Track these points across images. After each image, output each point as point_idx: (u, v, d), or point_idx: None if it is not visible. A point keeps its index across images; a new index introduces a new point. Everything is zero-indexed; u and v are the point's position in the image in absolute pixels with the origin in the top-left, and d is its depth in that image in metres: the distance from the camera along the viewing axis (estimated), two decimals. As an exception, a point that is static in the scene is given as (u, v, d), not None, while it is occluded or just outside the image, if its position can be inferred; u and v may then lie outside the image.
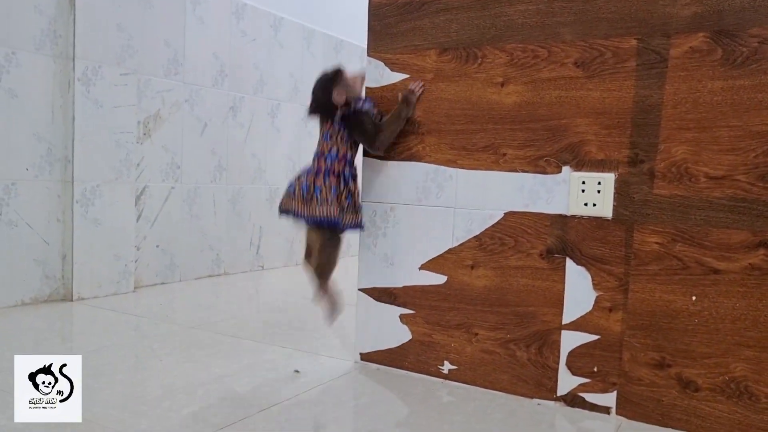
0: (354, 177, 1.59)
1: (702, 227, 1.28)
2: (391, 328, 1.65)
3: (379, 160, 1.64)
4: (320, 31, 3.35)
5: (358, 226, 1.59)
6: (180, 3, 2.60)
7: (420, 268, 1.60)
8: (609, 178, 1.36)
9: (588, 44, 1.37)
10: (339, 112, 1.56)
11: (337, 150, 1.56)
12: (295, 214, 1.56)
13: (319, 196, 1.53)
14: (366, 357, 1.69)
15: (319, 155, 1.58)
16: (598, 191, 1.38)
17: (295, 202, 1.57)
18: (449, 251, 1.56)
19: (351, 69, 1.60)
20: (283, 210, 1.60)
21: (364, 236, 1.67)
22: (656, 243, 1.33)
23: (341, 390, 1.52)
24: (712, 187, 1.27)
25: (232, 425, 1.26)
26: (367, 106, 1.57)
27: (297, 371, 1.52)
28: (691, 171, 1.29)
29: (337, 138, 1.57)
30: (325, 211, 1.53)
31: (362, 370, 1.65)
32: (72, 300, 2.25)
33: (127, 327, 1.98)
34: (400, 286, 1.63)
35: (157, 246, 2.60)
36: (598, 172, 1.38)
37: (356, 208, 1.59)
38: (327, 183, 1.54)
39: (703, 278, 1.29)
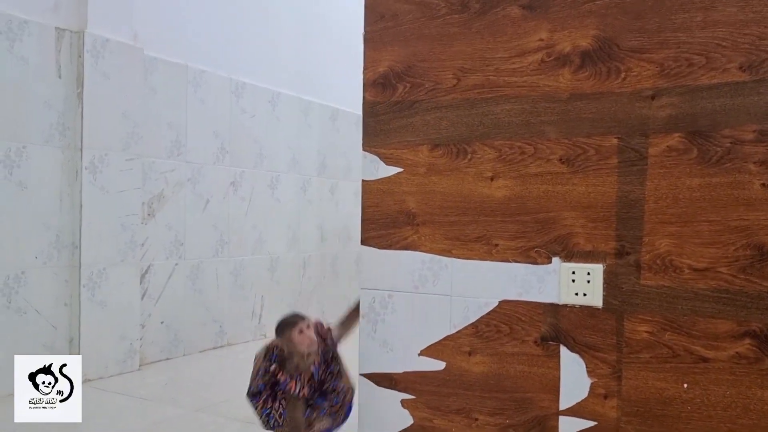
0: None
1: (689, 317, 1.33)
2: (392, 413, 1.68)
3: (377, 249, 1.70)
4: (317, 102, 3.47)
5: None
6: (182, 86, 2.70)
7: (419, 354, 1.64)
8: (597, 269, 1.42)
9: (571, 142, 1.45)
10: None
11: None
12: None
13: None
14: (369, 441, 1.72)
15: None
16: (588, 281, 1.43)
17: None
18: (447, 338, 1.61)
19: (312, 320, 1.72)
20: None
21: (363, 322, 1.72)
22: (646, 332, 1.37)
23: (346, 480, 1.54)
24: (696, 279, 1.32)
25: None
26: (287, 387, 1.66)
27: None
28: (675, 263, 1.34)
29: None
30: None
31: (366, 456, 1.68)
32: (78, 383, 2.28)
33: (134, 412, 2.01)
34: (400, 371, 1.67)
35: (162, 322, 2.64)
36: (586, 263, 1.43)
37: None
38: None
39: (693, 366, 1.33)
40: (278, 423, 1.65)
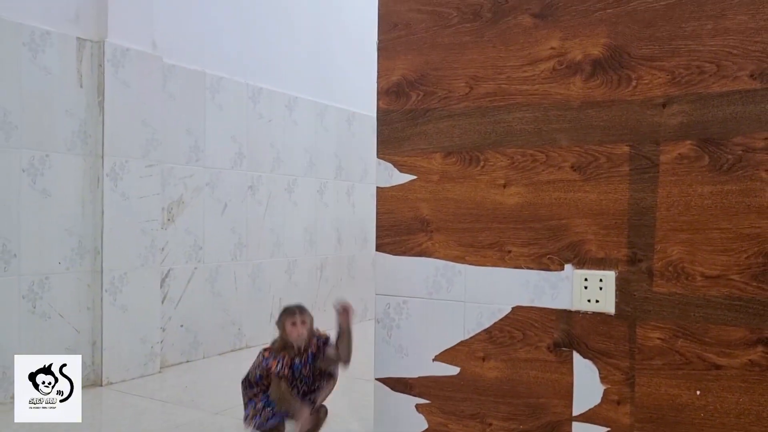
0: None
1: (701, 324, 1.34)
2: (408, 417, 1.70)
3: (391, 255, 1.72)
4: (333, 105, 3.50)
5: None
6: (200, 93, 2.75)
7: (434, 360, 1.66)
8: (610, 276, 1.43)
9: (583, 149, 1.46)
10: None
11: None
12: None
13: None
14: (385, 445, 1.74)
15: None
16: (600, 288, 1.44)
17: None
18: (461, 343, 1.62)
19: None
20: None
21: (379, 328, 1.74)
22: (659, 338, 1.38)
23: (362, 483, 1.57)
24: (708, 286, 1.33)
25: None
26: (277, 367, 1.70)
27: None
28: (687, 270, 1.35)
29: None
30: None
31: (381, 459, 1.70)
32: (101, 385, 2.33)
33: (155, 415, 2.05)
34: (415, 376, 1.69)
35: (182, 326, 2.69)
36: (599, 269, 1.44)
37: None
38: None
39: (705, 373, 1.34)
40: (255, 418, 1.72)
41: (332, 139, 3.51)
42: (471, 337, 1.61)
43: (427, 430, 1.68)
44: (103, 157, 2.30)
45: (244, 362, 2.82)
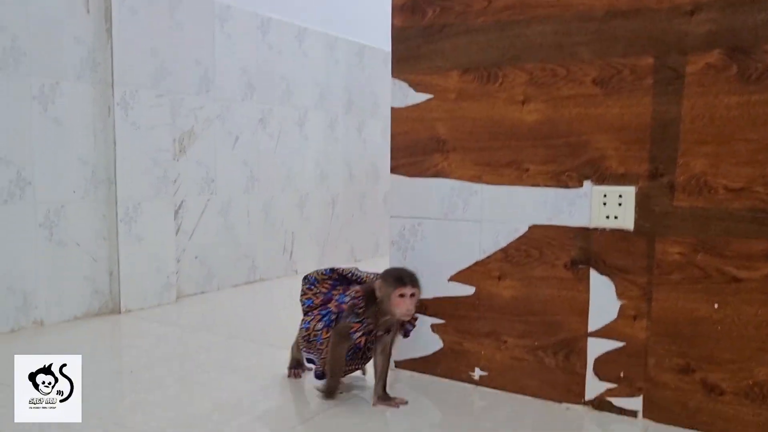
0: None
1: (722, 237, 1.32)
2: (423, 337, 1.72)
3: (406, 177, 1.71)
4: (343, 37, 3.42)
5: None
6: (209, 22, 2.69)
7: (449, 280, 1.67)
8: (630, 192, 1.41)
9: (606, 62, 1.42)
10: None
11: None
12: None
13: None
14: (400, 365, 1.77)
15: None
16: (620, 204, 1.42)
17: None
18: (477, 263, 1.63)
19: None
20: None
21: (394, 250, 1.75)
22: (678, 253, 1.37)
23: (378, 398, 1.60)
24: (731, 199, 1.31)
25: (279, 437, 1.35)
26: (350, 319, 1.49)
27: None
28: (710, 183, 1.33)
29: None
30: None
31: (397, 378, 1.73)
32: (120, 312, 2.37)
33: (173, 339, 2.09)
34: (431, 297, 1.70)
35: (196, 257, 2.71)
36: (618, 185, 1.42)
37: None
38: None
39: (725, 286, 1.33)
40: (313, 336, 1.58)
41: (342, 73, 3.45)
42: (487, 257, 1.61)
43: (442, 349, 1.70)
44: (113, 86, 2.27)
45: (258, 295, 2.86)
